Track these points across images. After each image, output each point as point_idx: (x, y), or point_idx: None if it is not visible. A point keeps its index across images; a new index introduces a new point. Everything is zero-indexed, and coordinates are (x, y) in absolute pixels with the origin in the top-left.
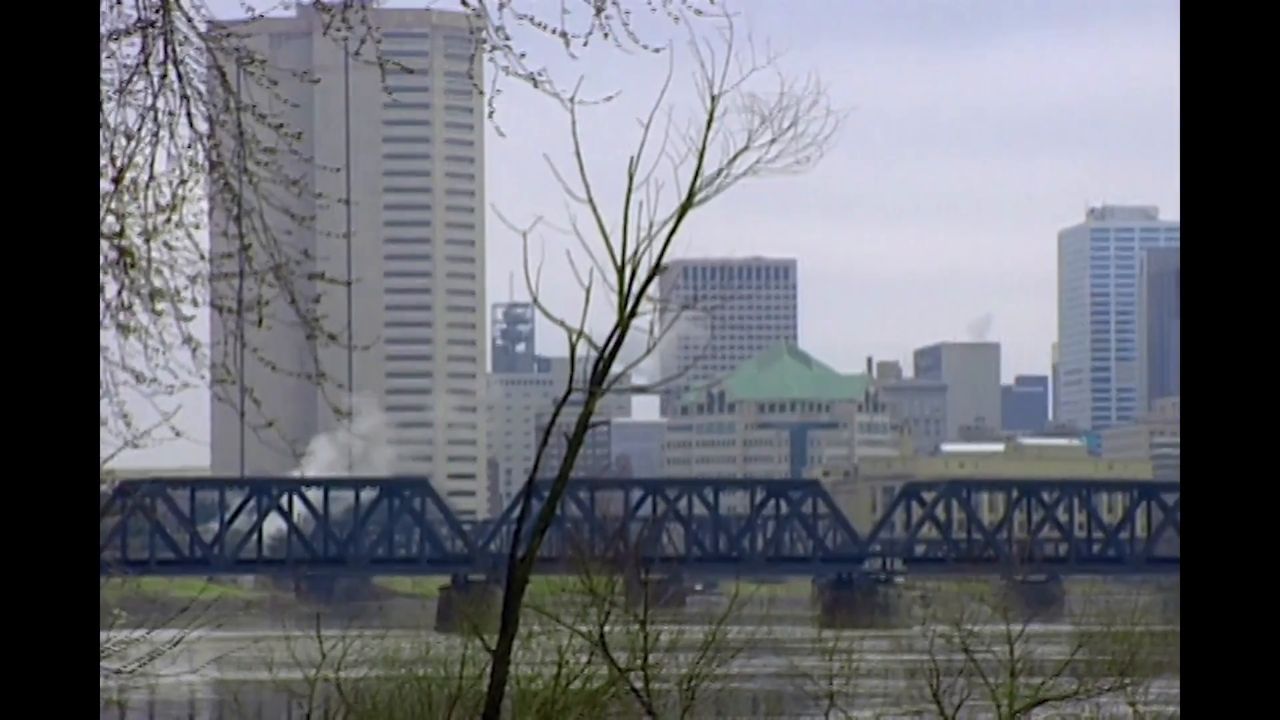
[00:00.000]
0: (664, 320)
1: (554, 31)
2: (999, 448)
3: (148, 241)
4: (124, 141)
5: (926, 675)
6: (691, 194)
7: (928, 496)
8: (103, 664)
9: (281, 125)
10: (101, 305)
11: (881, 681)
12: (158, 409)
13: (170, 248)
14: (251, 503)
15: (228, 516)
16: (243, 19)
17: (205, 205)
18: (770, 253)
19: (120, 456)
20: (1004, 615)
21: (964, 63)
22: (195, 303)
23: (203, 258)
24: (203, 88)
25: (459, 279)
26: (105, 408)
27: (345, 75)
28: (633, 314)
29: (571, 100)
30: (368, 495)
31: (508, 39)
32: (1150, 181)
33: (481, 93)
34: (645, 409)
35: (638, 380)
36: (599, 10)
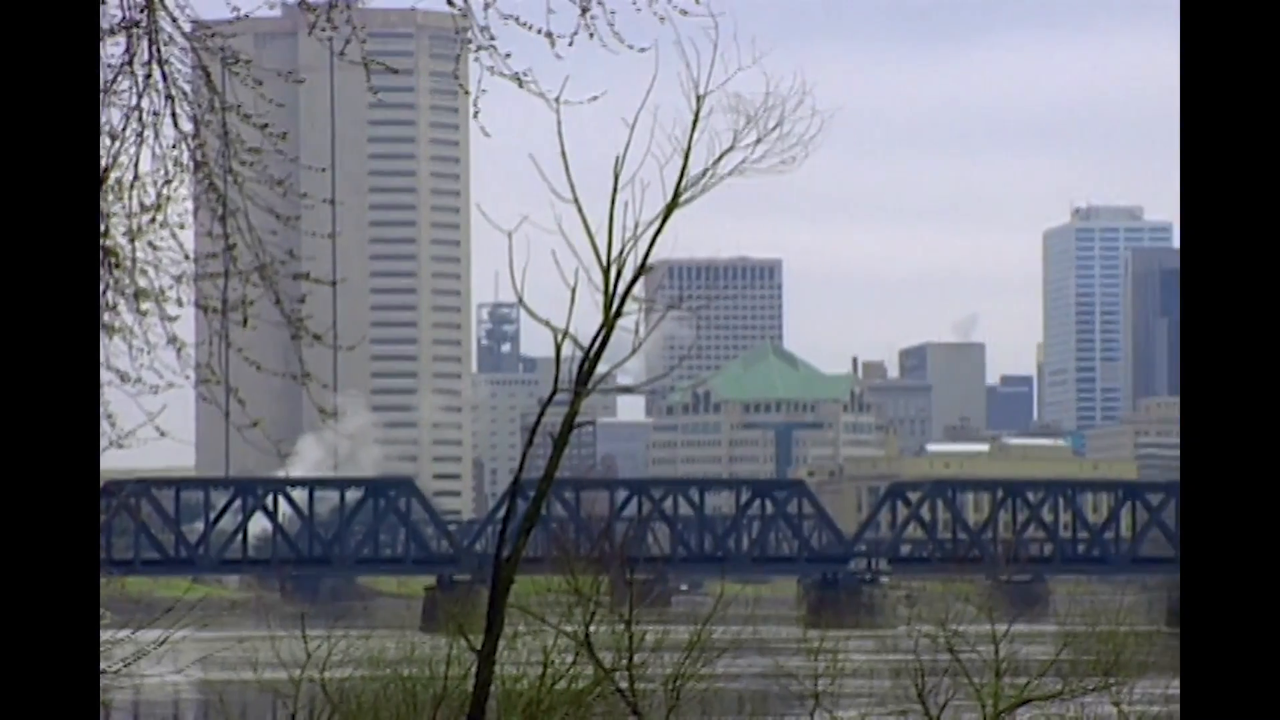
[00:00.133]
0: (649, 320)
1: (539, 31)
2: (984, 448)
3: (132, 241)
4: (108, 141)
5: (911, 675)
6: (677, 194)
7: (913, 496)
8: None
9: (266, 125)
10: None
11: (866, 681)
12: (142, 409)
13: (155, 248)
14: (236, 503)
15: (213, 516)
16: (227, 19)
17: (190, 205)
18: (755, 253)
19: (105, 456)
20: (989, 615)
21: (949, 63)
22: (180, 303)
23: (187, 258)
24: (187, 87)
25: (444, 279)
26: None
27: (330, 75)
28: (618, 314)
29: (557, 100)
30: (353, 495)
31: (493, 39)
32: (1135, 181)
33: (467, 93)
34: (630, 409)
35: (623, 380)
36: (584, 10)
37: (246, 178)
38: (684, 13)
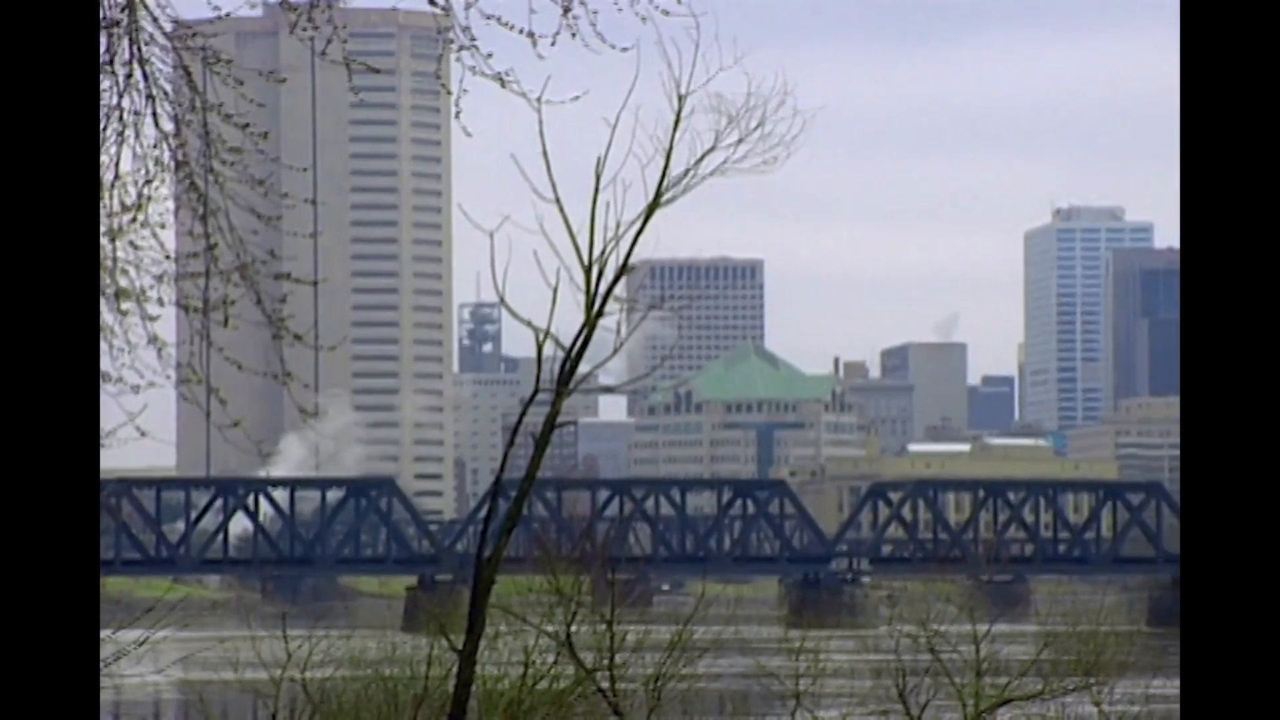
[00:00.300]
0: (631, 320)
1: (521, 31)
2: (965, 448)
3: (113, 241)
4: None
5: (893, 675)
6: (658, 194)
7: (894, 496)
8: None
9: (247, 125)
10: None
11: (848, 681)
12: (123, 409)
13: (136, 247)
14: (217, 503)
15: (194, 516)
16: (209, 18)
17: (171, 205)
18: (737, 253)
19: None
20: (970, 615)
21: (930, 64)
22: (161, 302)
23: (168, 257)
24: (168, 87)
25: (426, 279)
26: None
27: (312, 75)
28: (600, 314)
29: (538, 100)
30: (334, 495)
31: (474, 39)
32: (1116, 182)
33: (449, 92)
34: (612, 409)
35: (605, 380)
36: (566, 10)
37: (228, 177)
38: (665, 13)
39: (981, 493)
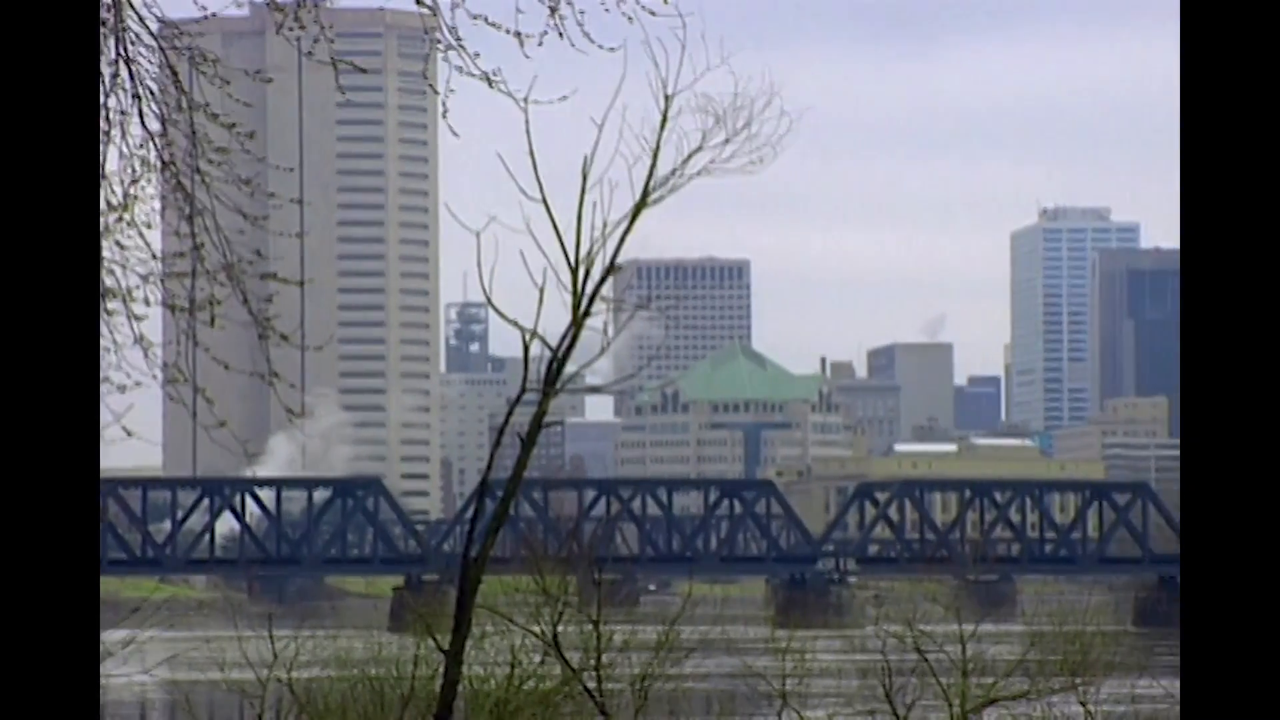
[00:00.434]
0: (618, 320)
1: (508, 31)
2: (952, 448)
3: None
4: None
5: (879, 675)
6: (645, 194)
7: (881, 496)
8: None
9: (234, 124)
10: None
11: (834, 681)
12: (109, 408)
13: (122, 247)
14: (204, 502)
15: (180, 516)
16: (195, 18)
17: (157, 204)
18: (724, 253)
19: None
20: (956, 615)
21: (917, 65)
22: (147, 302)
23: (155, 257)
24: (155, 86)
25: (412, 279)
26: None
27: (298, 75)
28: (586, 314)
29: (525, 100)
30: (320, 495)
31: (461, 39)
32: (1102, 183)
33: (435, 92)
34: (599, 409)
35: (592, 380)
36: (553, 10)
37: (214, 177)
38: (652, 13)
39: (968, 493)
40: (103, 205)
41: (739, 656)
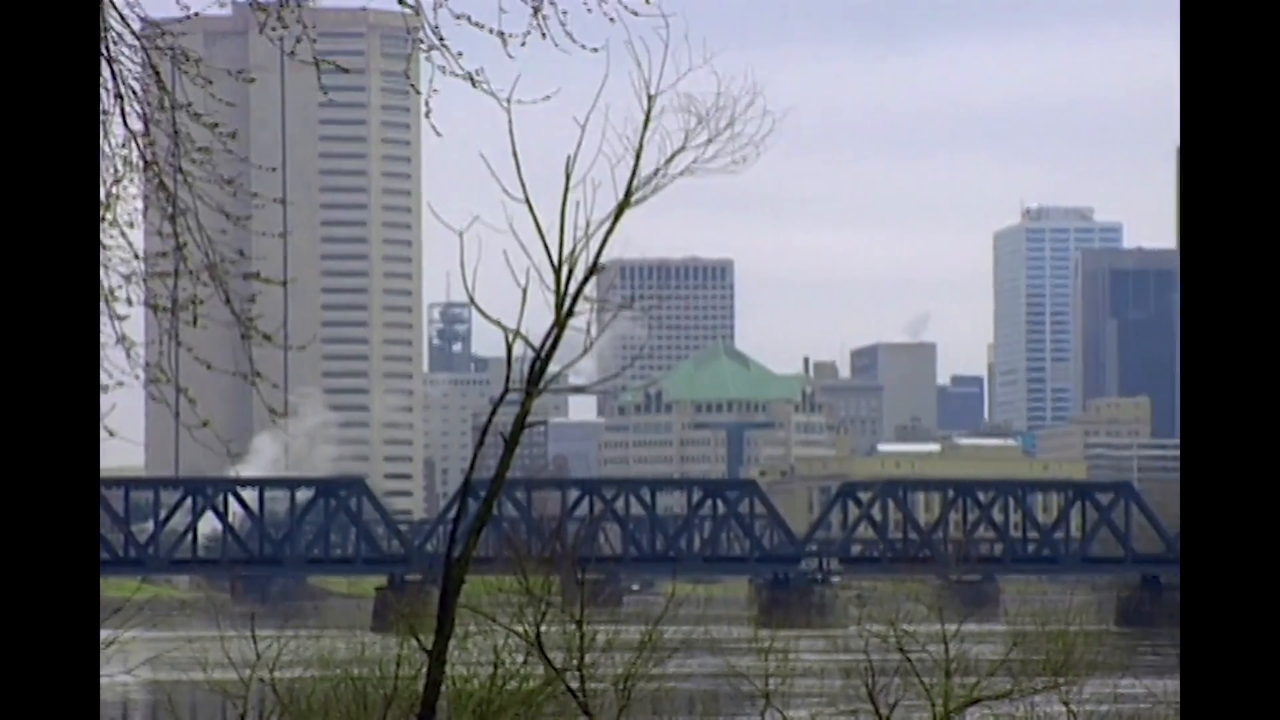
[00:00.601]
0: (601, 320)
1: (491, 31)
2: (935, 448)
3: None
4: None
5: (862, 675)
6: (628, 194)
7: (864, 496)
8: None
9: (217, 124)
10: None
11: (818, 681)
12: None
13: (104, 246)
14: (186, 503)
15: (162, 516)
16: (177, 17)
17: (140, 204)
18: (707, 253)
19: None
20: (939, 615)
21: (900, 65)
22: (130, 302)
23: (137, 257)
24: (137, 86)
25: (395, 279)
26: None
27: (281, 74)
28: (570, 314)
29: (508, 100)
30: (303, 495)
31: (444, 38)
32: (1085, 182)
33: (418, 92)
34: (582, 409)
35: (575, 380)
36: (536, 10)
37: (197, 177)
38: (635, 13)
39: (951, 493)
40: None
41: (722, 656)
